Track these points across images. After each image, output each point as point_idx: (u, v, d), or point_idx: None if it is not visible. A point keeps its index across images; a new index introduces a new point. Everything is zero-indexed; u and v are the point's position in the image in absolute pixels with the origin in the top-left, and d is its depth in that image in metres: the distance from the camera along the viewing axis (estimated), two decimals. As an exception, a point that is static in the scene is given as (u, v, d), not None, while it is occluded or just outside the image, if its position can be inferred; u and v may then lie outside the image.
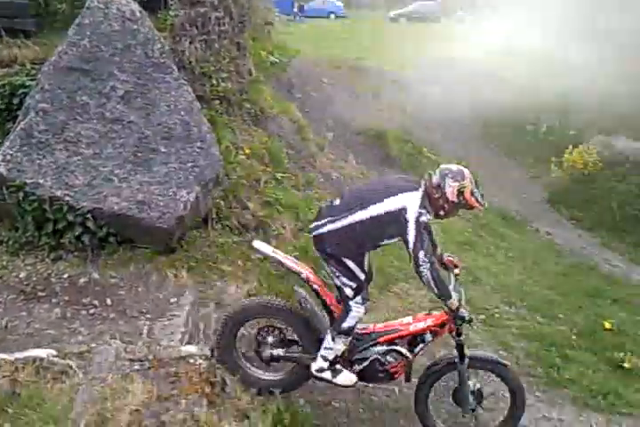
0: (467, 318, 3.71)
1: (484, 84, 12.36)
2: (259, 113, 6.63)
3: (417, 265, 3.57)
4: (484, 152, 11.02)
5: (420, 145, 10.18)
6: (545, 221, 8.72)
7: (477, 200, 3.68)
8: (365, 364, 3.95)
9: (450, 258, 4.12)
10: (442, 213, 3.72)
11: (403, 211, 3.59)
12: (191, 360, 3.66)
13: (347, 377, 3.92)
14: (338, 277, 3.79)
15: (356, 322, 3.82)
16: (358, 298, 3.81)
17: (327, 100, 9.81)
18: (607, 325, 5.89)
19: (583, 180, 9.33)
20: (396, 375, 3.98)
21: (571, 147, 10.22)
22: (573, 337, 5.61)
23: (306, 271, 3.91)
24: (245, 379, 3.97)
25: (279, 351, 4.02)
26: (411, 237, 3.55)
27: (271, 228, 5.46)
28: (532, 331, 5.58)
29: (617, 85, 11.77)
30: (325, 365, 3.88)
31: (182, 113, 4.92)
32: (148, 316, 4.22)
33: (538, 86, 12.06)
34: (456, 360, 3.88)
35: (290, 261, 3.95)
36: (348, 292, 3.79)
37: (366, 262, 3.89)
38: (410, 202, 3.60)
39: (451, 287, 3.78)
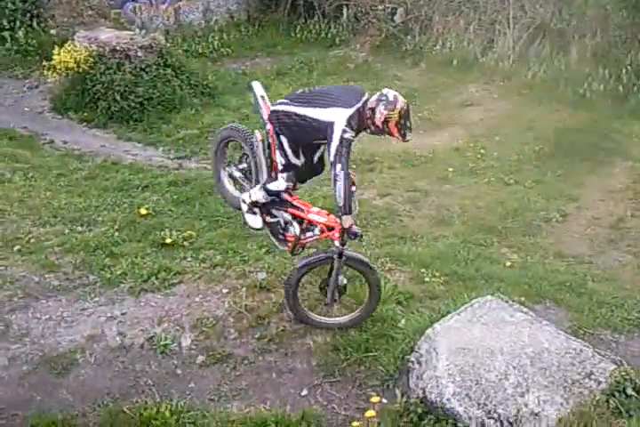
0: (359, 235, 4.19)
1: None
2: None
3: (333, 175, 4.05)
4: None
5: None
6: (57, 130, 8.42)
7: (400, 132, 4.02)
8: (274, 220, 4.75)
9: (352, 176, 4.40)
10: (369, 131, 4.19)
11: (331, 125, 4.01)
12: None
13: (255, 220, 4.78)
14: (275, 150, 4.49)
15: (278, 190, 4.58)
16: (285, 174, 4.52)
17: None
18: (143, 211, 6.22)
19: (81, 79, 9.11)
20: (289, 244, 4.67)
21: (57, 47, 9.76)
22: (116, 233, 5.78)
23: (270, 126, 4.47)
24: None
25: (239, 173, 5.16)
26: (332, 150, 4.02)
27: None
28: (74, 242, 5.53)
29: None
30: (247, 200, 4.74)
31: None
32: None
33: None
34: (335, 256, 4.35)
35: (266, 110, 4.57)
36: (280, 166, 4.52)
37: (307, 153, 4.54)
38: (338, 118, 4.00)
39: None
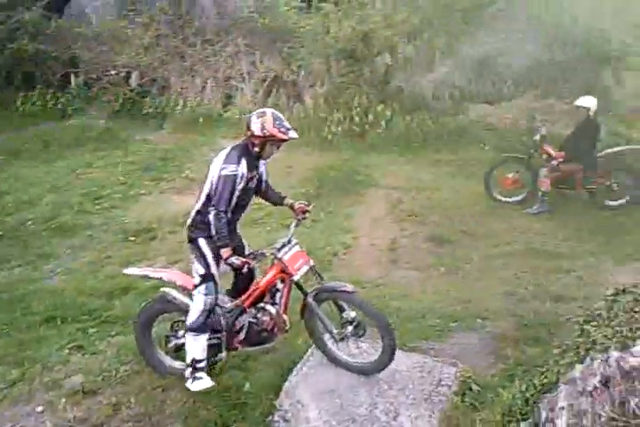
0: (235, 266, 4.00)
1: None
2: None
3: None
4: None
5: None
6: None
7: (280, 130, 4.01)
8: (245, 330, 4.34)
9: (300, 205, 4.45)
10: (257, 150, 4.11)
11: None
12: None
13: (204, 382, 4.24)
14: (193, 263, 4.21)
15: (204, 317, 4.09)
16: (202, 287, 4.09)
17: None
18: None
19: None
20: (276, 331, 4.34)
21: None
22: None
23: (166, 275, 4.47)
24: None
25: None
26: (213, 186, 4.08)
27: None
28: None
29: None
30: (189, 370, 4.28)
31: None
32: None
33: None
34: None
35: (151, 272, 4.53)
36: (196, 279, 4.15)
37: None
38: (218, 159, 4.14)
39: (290, 231, 4.32)
